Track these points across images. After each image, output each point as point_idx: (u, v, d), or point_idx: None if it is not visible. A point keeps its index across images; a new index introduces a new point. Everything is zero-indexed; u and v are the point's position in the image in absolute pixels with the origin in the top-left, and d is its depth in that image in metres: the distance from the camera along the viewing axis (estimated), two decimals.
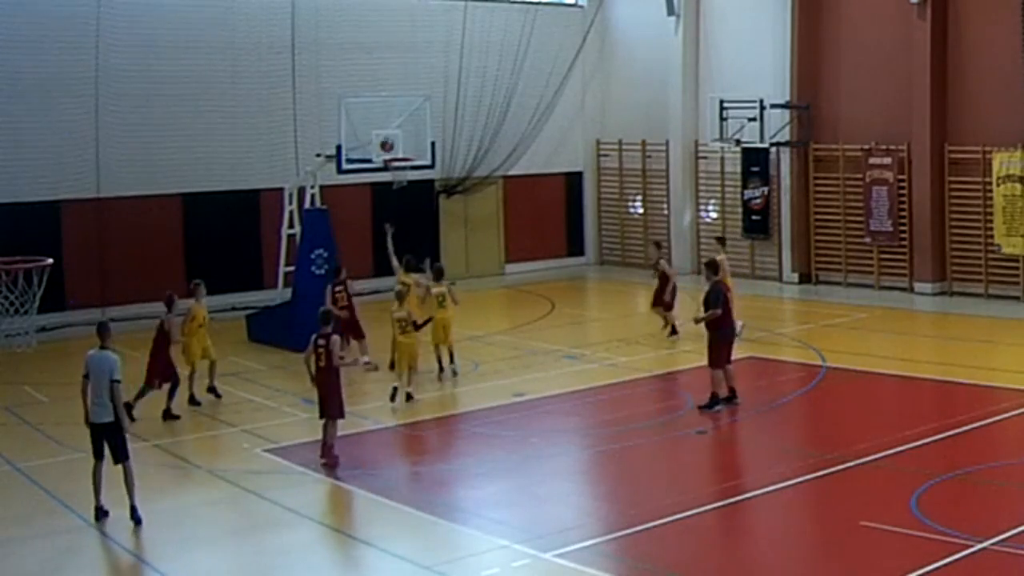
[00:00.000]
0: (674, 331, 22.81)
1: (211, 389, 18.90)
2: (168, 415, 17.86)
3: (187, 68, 26.63)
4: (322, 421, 15.22)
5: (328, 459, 15.07)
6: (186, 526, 13.34)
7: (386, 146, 23.06)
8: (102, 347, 13.50)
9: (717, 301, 17.40)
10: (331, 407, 15.10)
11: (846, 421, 17.17)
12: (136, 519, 13.14)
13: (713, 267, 18.08)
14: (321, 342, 15.06)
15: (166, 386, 18.06)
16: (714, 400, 17.33)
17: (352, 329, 20.47)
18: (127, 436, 13.51)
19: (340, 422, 15.25)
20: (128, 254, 26.01)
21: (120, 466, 13.32)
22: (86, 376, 13.43)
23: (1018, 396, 17.49)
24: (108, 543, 12.75)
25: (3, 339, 23.03)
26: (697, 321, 18.26)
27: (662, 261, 23.61)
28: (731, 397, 17.51)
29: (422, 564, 11.87)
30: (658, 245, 24.80)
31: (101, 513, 13.27)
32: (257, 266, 27.53)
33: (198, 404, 18.52)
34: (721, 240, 24.69)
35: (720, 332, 17.49)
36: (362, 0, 29.48)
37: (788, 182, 29.83)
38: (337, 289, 20.73)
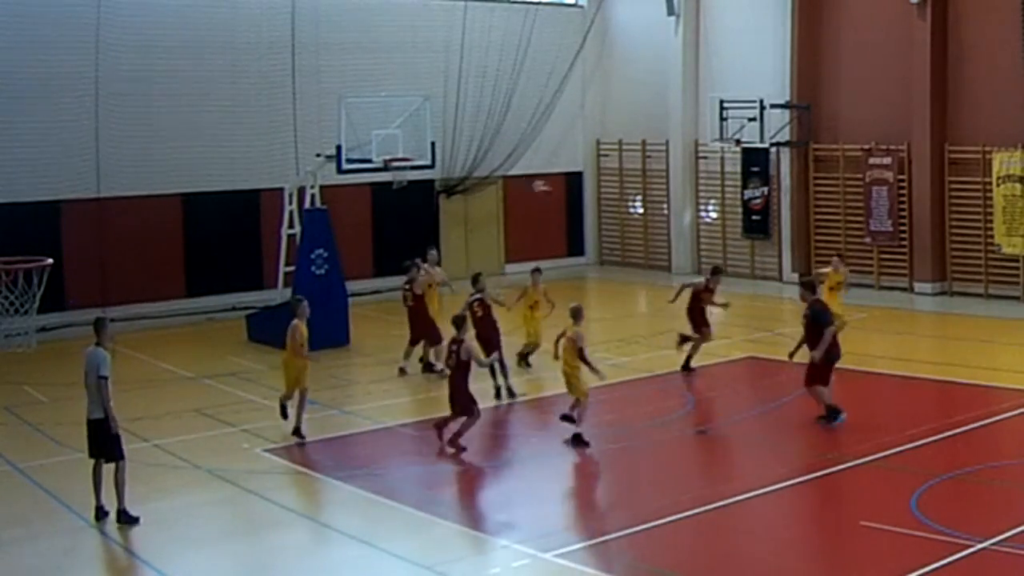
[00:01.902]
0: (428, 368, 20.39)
1: (296, 431, 16.67)
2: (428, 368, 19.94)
3: (187, 68, 26.63)
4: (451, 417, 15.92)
5: (455, 448, 15.73)
6: (186, 526, 13.34)
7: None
8: (97, 343, 13.35)
9: (827, 319, 16.67)
10: (459, 405, 15.89)
11: (846, 421, 17.15)
12: (126, 520, 13.07)
13: (810, 287, 17.38)
14: (454, 346, 15.89)
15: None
16: (832, 411, 16.34)
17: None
18: (120, 434, 13.41)
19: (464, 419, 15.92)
20: (128, 254, 26.01)
21: (113, 465, 13.26)
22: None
23: (1018, 396, 17.48)
24: (108, 543, 12.75)
25: (3, 339, 23.03)
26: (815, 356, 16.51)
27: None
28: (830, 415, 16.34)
29: (422, 564, 11.86)
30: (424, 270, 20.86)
31: (101, 513, 13.25)
32: (257, 266, 27.53)
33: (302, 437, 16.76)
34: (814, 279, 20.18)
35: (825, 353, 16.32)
36: (362, 0, 29.48)
37: (788, 182, 29.83)
38: (475, 300, 19.26)
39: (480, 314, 18.68)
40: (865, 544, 11.92)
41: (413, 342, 20.49)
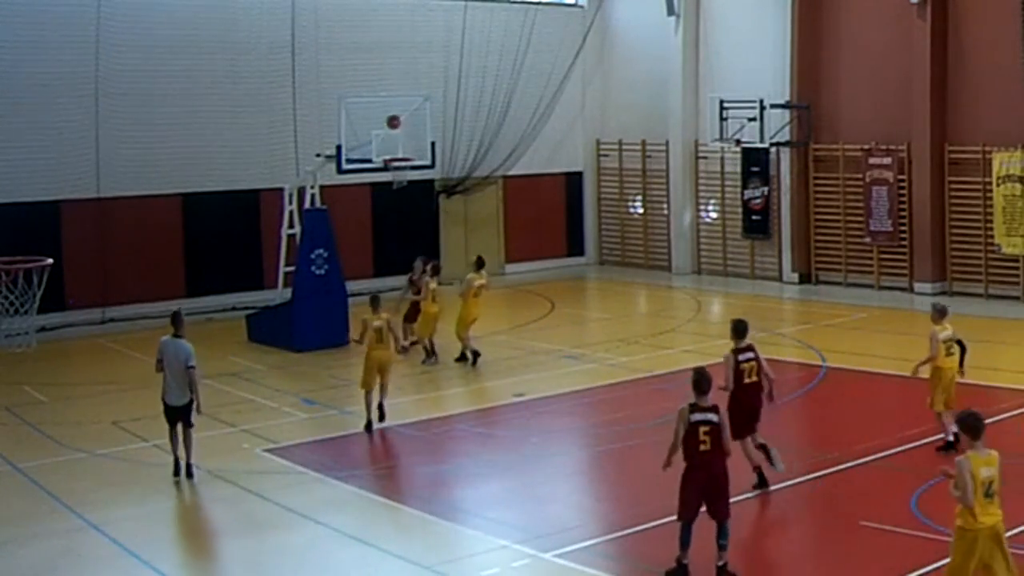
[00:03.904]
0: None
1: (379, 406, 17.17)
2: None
3: (187, 68, 26.63)
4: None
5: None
6: (186, 526, 13.34)
7: (393, 122, 22.97)
8: (176, 335, 14.49)
9: None
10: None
11: (846, 421, 17.16)
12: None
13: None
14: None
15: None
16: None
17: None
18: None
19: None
20: (128, 254, 26.01)
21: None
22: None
23: (1018, 396, 17.48)
24: (108, 543, 12.74)
25: (3, 339, 23.02)
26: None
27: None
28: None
29: (422, 564, 11.87)
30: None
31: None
32: (257, 266, 27.53)
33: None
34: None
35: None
36: (362, 0, 29.48)
37: (788, 182, 29.83)
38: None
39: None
40: (865, 544, 11.92)
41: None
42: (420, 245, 30.52)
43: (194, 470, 14.54)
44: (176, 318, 14.59)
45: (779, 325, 25.29)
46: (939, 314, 15.06)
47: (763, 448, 13.83)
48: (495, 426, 17.24)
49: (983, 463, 9.73)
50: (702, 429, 11.11)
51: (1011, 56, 25.64)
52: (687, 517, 11.19)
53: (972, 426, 9.83)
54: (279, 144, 27.70)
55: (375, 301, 17.26)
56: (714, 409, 11.21)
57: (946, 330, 15.01)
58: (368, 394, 16.81)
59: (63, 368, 21.78)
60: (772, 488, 13.78)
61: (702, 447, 11.12)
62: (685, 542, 11.19)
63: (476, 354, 21.01)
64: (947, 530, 11.95)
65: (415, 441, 16.71)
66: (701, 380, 11.26)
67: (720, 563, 11.11)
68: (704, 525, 11.24)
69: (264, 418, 17.72)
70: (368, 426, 16.81)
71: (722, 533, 11.16)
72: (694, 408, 11.19)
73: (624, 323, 25.47)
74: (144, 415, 17.61)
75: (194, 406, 14.50)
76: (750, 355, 13.64)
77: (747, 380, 13.52)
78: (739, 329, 13.66)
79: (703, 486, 11.17)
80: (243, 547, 12.83)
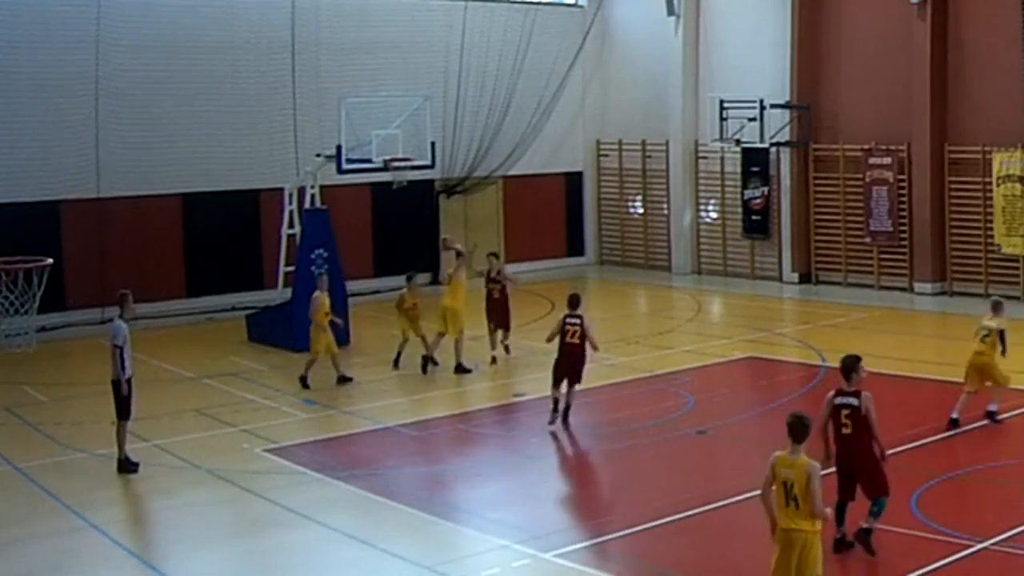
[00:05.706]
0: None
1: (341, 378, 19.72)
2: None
3: (187, 68, 26.63)
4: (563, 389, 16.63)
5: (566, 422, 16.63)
6: (186, 526, 13.34)
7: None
8: (120, 316, 15.39)
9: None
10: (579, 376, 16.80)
11: None
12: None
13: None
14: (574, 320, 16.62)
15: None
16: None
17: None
18: (127, 397, 15.17)
19: None
20: (128, 254, 25.98)
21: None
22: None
23: (1018, 396, 17.46)
24: (108, 543, 12.74)
25: (3, 339, 23.01)
26: None
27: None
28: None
29: (422, 564, 11.87)
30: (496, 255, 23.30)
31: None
32: (257, 266, 27.53)
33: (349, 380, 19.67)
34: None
35: None
36: (362, 0, 29.48)
37: (788, 182, 29.83)
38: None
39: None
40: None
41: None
42: (420, 245, 30.69)
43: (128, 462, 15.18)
44: (120, 299, 15.72)
45: (779, 325, 25.31)
46: (991, 307, 16.71)
47: (566, 412, 16.64)
48: (495, 426, 17.23)
49: (786, 465, 9.97)
50: (843, 412, 11.60)
51: (1011, 56, 25.65)
52: (840, 497, 11.59)
53: (792, 427, 10.17)
54: (279, 144, 27.69)
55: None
56: (855, 394, 11.60)
57: (989, 319, 16.41)
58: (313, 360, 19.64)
59: (63, 368, 21.77)
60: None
61: (844, 430, 11.61)
62: (840, 519, 11.56)
63: (428, 361, 20.52)
64: (947, 530, 11.98)
65: (415, 441, 16.71)
66: (846, 366, 11.79)
67: (865, 526, 11.54)
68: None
69: (264, 418, 17.72)
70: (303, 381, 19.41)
71: (876, 505, 11.61)
72: (838, 392, 11.68)
73: (624, 323, 25.44)
74: (143, 415, 17.56)
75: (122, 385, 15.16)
76: (576, 321, 16.65)
77: (568, 340, 16.60)
78: (572, 301, 16.92)
79: (847, 469, 11.66)
80: (243, 547, 12.84)
